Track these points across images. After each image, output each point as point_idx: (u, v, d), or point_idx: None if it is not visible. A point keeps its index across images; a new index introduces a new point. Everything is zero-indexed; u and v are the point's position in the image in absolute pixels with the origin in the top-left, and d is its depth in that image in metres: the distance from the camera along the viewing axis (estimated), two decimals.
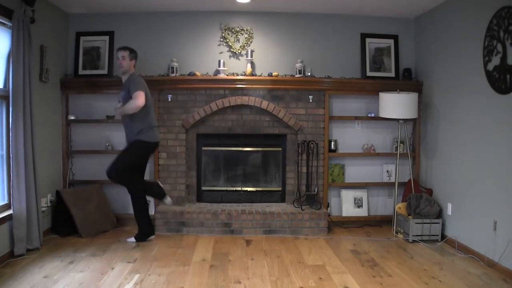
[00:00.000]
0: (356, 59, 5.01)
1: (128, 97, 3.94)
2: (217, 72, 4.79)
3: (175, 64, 4.74)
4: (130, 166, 4.04)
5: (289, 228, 4.54)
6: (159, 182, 4.35)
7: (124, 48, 4.05)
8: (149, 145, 4.10)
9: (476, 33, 3.81)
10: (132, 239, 4.20)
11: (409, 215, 4.39)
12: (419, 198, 4.39)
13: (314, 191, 4.85)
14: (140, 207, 4.25)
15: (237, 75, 4.80)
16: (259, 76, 4.81)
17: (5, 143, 3.77)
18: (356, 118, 4.98)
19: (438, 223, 4.31)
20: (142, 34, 4.86)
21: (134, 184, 4.10)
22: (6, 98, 3.75)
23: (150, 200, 4.87)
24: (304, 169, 4.87)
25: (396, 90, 4.60)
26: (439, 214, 4.37)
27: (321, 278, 3.34)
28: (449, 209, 4.29)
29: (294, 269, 3.53)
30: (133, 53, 4.08)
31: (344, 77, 4.92)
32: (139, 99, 3.86)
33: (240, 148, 5.00)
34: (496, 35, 3.53)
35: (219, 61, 4.77)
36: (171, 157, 4.80)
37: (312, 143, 4.85)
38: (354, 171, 5.07)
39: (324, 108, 4.87)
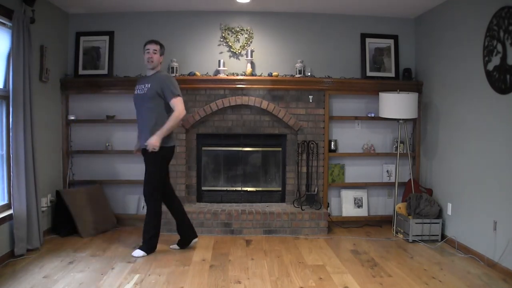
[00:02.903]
0: (356, 59, 5.01)
1: (154, 96, 3.69)
2: (217, 72, 4.79)
3: (175, 64, 4.74)
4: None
5: (289, 228, 4.54)
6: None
7: (156, 42, 3.82)
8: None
9: (476, 33, 3.81)
10: (175, 246, 4.03)
11: (409, 215, 4.39)
12: (419, 198, 4.39)
13: (314, 191, 4.85)
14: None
15: (237, 75, 4.79)
16: (259, 76, 4.81)
17: (5, 143, 3.77)
18: (356, 118, 4.98)
19: (438, 223, 4.31)
20: (142, 34, 4.84)
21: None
22: (6, 98, 3.74)
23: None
24: (304, 169, 4.87)
25: (396, 90, 4.60)
26: (439, 214, 4.37)
27: (321, 278, 3.34)
28: (449, 209, 4.29)
29: (294, 269, 3.53)
30: (163, 49, 3.87)
31: (344, 77, 4.92)
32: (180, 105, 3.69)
33: (240, 148, 5.00)
34: (496, 35, 3.53)
35: (219, 61, 4.77)
36: None
37: (312, 143, 4.85)
38: (354, 171, 5.07)
39: (324, 108, 4.87)
